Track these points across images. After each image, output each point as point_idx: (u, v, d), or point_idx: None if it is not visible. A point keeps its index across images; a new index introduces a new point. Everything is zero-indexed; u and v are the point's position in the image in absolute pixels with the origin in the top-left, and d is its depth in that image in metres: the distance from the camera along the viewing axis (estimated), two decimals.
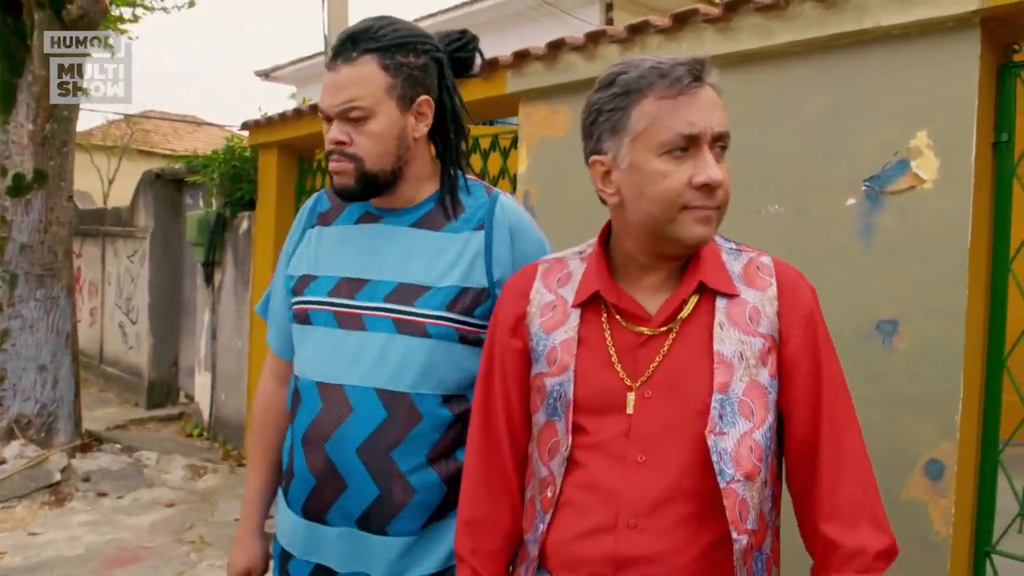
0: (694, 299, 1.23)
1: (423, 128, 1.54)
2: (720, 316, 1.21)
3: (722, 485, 1.16)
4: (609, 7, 10.58)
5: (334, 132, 1.48)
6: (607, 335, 1.27)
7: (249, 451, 1.75)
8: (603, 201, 1.29)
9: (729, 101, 2.87)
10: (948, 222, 2.36)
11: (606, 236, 1.35)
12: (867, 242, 2.54)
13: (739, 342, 1.20)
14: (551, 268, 1.38)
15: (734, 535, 1.16)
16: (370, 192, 1.53)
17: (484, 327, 1.49)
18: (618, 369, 1.24)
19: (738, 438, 1.17)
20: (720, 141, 1.21)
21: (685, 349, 1.22)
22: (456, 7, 11.23)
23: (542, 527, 1.27)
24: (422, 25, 1.57)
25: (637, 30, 3.13)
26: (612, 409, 1.23)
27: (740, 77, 2.88)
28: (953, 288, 2.35)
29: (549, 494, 1.27)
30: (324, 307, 1.53)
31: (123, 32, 8.75)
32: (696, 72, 1.18)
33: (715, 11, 2.85)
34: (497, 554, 1.36)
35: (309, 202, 1.71)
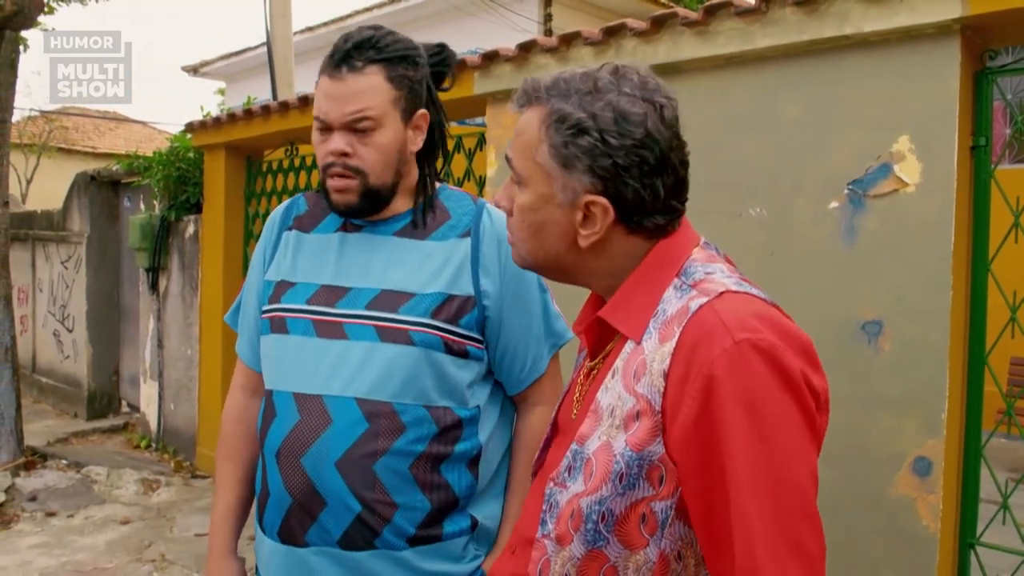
0: (618, 337, 1.09)
1: (419, 142, 1.50)
2: (619, 361, 1.04)
3: (538, 534, 1.07)
4: (548, 2, 10.58)
5: (337, 143, 1.41)
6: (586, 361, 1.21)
7: (219, 466, 1.64)
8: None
9: (708, 104, 2.90)
10: (931, 224, 2.42)
11: None
12: (850, 244, 2.58)
13: (617, 396, 1.02)
14: None
15: None
16: (372, 208, 1.48)
17: (470, 338, 1.45)
18: (575, 398, 1.18)
19: (569, 497, 1.03)
20: None
21: (594, 389, 1.10)
22: (392, 1, 11.06)
23: None
24: (356, 20, 1.54)
25: (612, 32, 3.12)
26: (567, 435, 1.16)
27: (719, 81, 2.90)
28: (937, 289, 2.41)
29: None
30: (302, 315, 1.46)
31: (37, 25, 8.36)
32: None
33: (694, 14, 2.86)
34: None
35: (284, 204, 1.64)
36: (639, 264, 1.06)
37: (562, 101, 1.03)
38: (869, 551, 2.50)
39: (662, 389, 0.96)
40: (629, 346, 1.04)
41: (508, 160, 1.10)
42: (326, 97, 1.40)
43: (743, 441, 0.90)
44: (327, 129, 1.42)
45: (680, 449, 0.94)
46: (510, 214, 1.12)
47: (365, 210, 1.47)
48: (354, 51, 1.40)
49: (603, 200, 1.02)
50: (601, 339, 1.12)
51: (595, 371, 1.13)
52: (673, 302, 1.01)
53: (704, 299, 0.98)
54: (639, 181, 1.01)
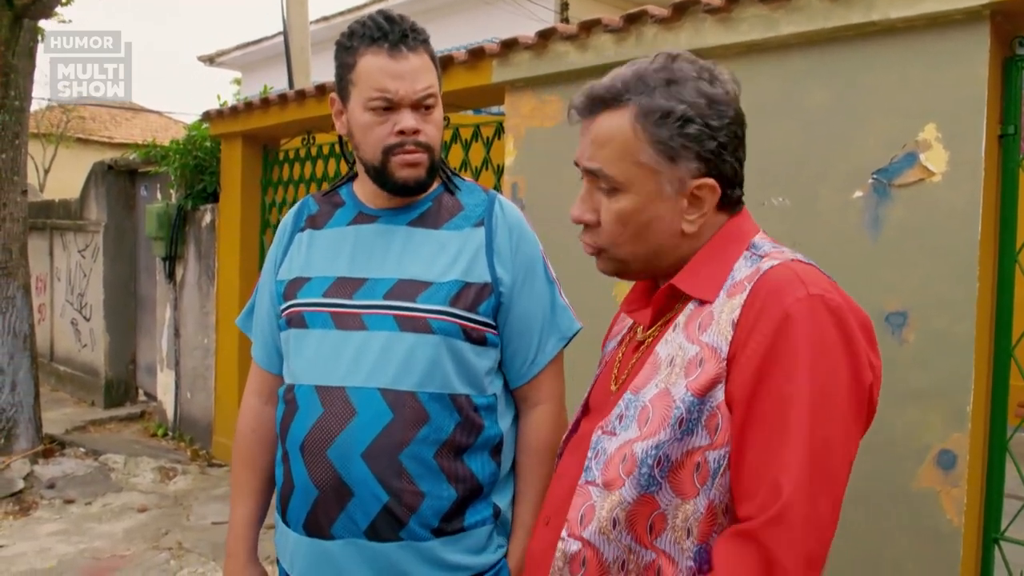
0: (678, 307, 1.12)
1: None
2: (681, 318, 1.08)
3: (580, 481, 1.07)
4: None
5: (410, 120, 1.42)
6: (629, 337, 1.24)
7: (235, 474, 1.64)
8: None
9: None
10: (958, 214, 2.38)
11: None
12: (875, 234, 2.55)
13: (678, 347, 1.05)
14: None
15: (563, 534, 1.06)
16: (428, 185, 1.50)
17: (488, 325, 1.45)
18: (614, 373, 1.20)
19: (620, 443, 1.03)
20: None
21: (649, 351, 1.11)
22: None
23: None
24: (371, 9, 1.54)
25: (633, 19, 3.09)
26: (602, 411, 1.17)
27: (742, 69, 2.86)
28: (963, 279, 2.37)
29: None
30: (320, 308, 1.46)
31: (55, 15, 8.38)
32: None
33: (716, 1, 2.82)
34: None
35: (294, 208, 1.64)
36: (709, 240, 1.11)
37: (647, 98, 1.05)
38: (892, 544, 2.47)
39: (729, 337, 1.00)
40: (692, 305, 1.08)
41: (592, 172, 1.10)
42: (392, 76, 1.41)
43: (807, 388, 0.96)
44: (390, 108, 1.42)
45: (740, 385, 0.97)
46: (596, 225, 1.13)
47: (426, 186, 1.49)
48: (408, 30, 1.43)
49: (710, 180, 1.07)
50: (663, 310, 1.15)
51: (649, 339, 1.15)
52: (743, 269, 1.07)
53: (775, 262, 1.04)
54: (733, 156, 1.08)
